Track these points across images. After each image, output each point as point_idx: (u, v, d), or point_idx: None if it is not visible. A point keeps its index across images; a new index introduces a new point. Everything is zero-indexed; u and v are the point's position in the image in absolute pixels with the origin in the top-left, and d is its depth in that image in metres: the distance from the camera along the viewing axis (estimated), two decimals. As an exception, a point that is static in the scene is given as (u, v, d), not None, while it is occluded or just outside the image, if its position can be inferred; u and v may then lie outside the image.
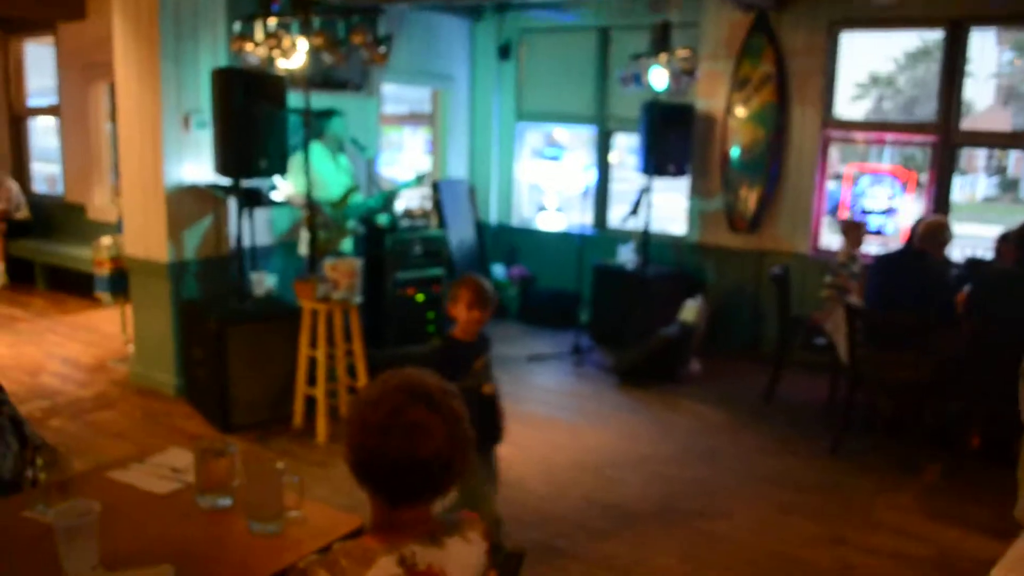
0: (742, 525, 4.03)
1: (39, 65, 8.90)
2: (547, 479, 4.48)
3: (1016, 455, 2.14)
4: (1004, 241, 5.07)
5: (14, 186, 8.49)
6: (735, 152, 6.76)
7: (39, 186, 9.29)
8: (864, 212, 6.77)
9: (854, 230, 5.82)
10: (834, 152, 6.95)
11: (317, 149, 5.69)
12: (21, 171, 8.99)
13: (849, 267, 5.68)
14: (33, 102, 9.05)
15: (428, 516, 1.61)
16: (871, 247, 6.27)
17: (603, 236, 7.67)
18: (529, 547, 3.63)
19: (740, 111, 6.71)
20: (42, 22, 8.08)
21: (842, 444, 4.92)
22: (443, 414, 1.53)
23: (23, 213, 8.45)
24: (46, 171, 9.81)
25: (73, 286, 7.94)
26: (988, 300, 4.62)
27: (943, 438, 4.90)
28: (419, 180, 6.51)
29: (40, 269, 8.34)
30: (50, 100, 8.67)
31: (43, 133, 10.14)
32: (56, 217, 8.57)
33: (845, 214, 6.88)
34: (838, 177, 7.04)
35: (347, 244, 5.84)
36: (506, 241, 8.28)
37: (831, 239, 6.58)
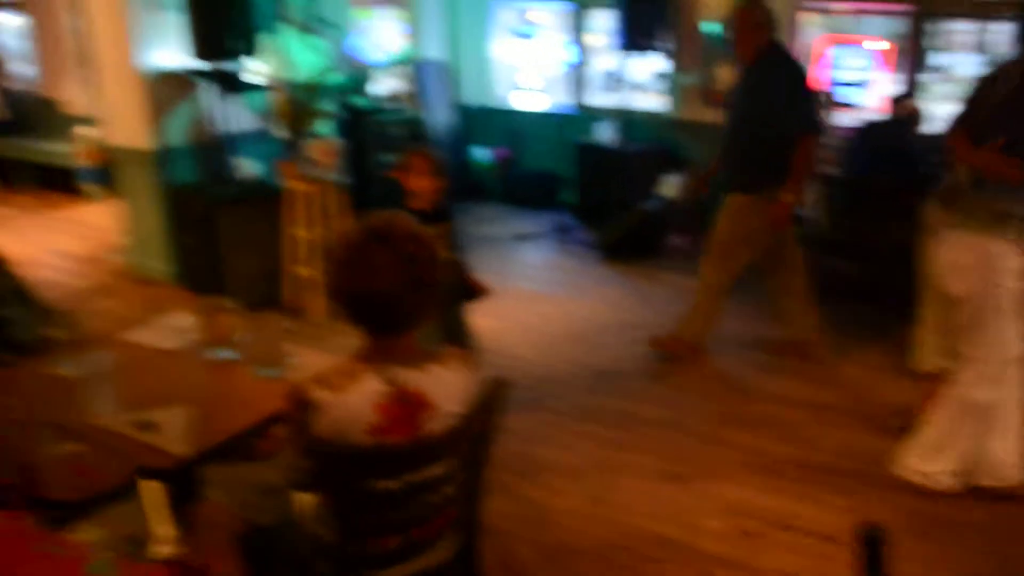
0: (712, 375, 4.40)
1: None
2: (536, 347, 4.73)
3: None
4: None
5: None
6: (711, 25, 6.71)
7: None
8: (836, 84, 6.80)
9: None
10: (809, 25, 6.92)
11: (285, 30, 5.65)
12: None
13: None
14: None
15: (410, 345, 1.79)
16: (843, 119, 6.35)
17: (583, 115, 7.68)
18: (523, 404, 3.88)
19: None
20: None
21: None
22: (399, 254, 1.68)
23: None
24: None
25: (56, 182, 7.93)
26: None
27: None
28: (400, 61, 6.41)
29: (21, 167, 8.30)
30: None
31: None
32: (33, 114, 8.48)
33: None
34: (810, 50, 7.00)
35: (327, 127, 5.86)
36: (484, 122, 8.24)
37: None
